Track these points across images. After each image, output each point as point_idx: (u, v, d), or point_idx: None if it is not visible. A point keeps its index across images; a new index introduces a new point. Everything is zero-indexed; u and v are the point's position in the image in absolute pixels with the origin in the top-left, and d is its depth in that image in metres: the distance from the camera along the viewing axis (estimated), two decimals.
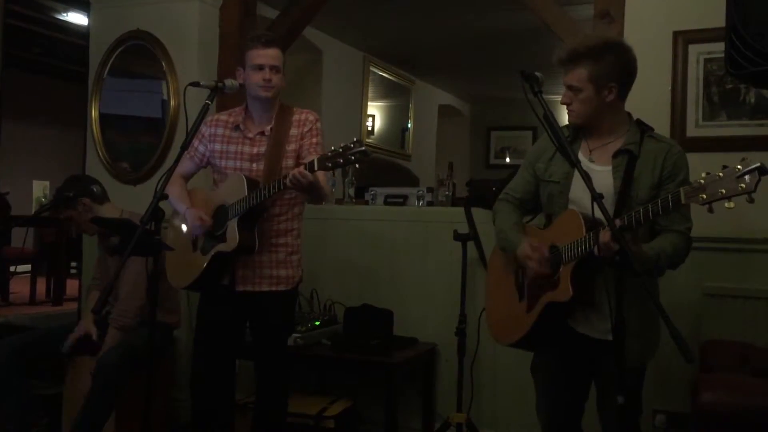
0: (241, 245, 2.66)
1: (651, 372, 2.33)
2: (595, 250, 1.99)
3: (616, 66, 2.16)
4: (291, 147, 2.79)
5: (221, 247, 2.70)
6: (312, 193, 2.69)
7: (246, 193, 2.64)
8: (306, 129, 2.81)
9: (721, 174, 1.74)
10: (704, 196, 1.76)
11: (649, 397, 2.36)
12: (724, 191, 1.72)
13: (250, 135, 2.82)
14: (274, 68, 2.74)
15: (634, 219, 1.94)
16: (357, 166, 2.44)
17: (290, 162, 2.76)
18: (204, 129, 2.86)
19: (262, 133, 2.81)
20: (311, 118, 2.85)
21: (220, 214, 2.75)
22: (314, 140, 2.81)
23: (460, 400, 3.38)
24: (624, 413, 1.91)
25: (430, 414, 3.61)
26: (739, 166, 1.71)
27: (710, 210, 1.77)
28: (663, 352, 2.26)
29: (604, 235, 1.95)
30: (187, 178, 2.97)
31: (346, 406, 3.51)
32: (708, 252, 3.00)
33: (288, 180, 2.50)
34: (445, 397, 3.58)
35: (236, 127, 2.84)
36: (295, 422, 3.28)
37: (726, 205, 1.74)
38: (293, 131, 2.80)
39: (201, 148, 2.90)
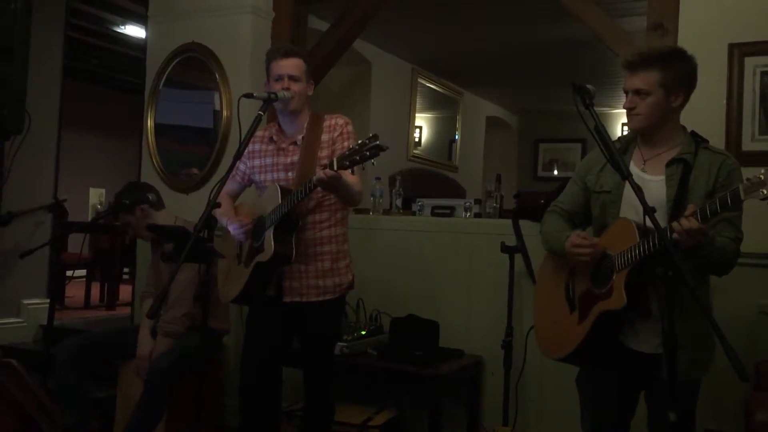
0: (276, 254, 2.66)
1: (703, 390, 2.28)
2: (674, 236, 1.94)
3: (684, 72, 2.19)
4: (323, 153, 2.79)
5: (259, 257, 2.72)
6: (341, 192, 2.67)
7: (280, 201, 2.66)
8: (336, 133, 2.81)
9: None
10: (765, 191, 1.76)
11: (702, 416, 2.31)
12: None
13: (284, 145, 2.84)
14: (292, 78, 2.76)
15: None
16: (373, 163, 2.41)
17: None
18: None
19: (295, 143, 2.83)
20: (341, 122, 2.84)
21: (259, 225, 2.78)
22: (346, 143, 2.79)
23: (506, 414, 3.35)
24: (676, 431, 1.87)
25: (474, 427, 3.59)
26: None
27: None
28: (716, 370, 2.21)
29: (684, 221, 1.93)
30: (233, 197, 3.01)
31: (391, 417, 3.51)
32: (764, 269, 2.92)
33: (314, 180, 2.52)
34: (491, 410, 3.56)
35: (270, 140, 2.88)
36: (340, 431, 3.30)
37: None
38: (324, 137, 2.81)
39: (242, 167, 2.94)
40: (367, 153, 2.36)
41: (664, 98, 2.17)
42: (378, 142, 2.35)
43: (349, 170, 2.45)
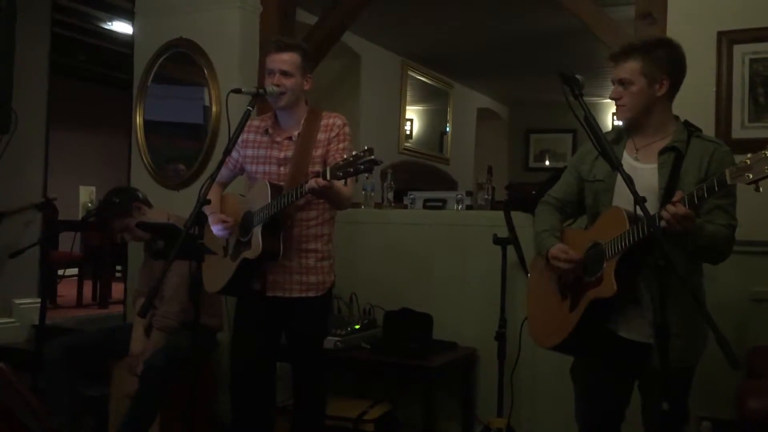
0: (264, 252, 2.66)
1: (696, 378, 2.29)
2: (663, 223, 1.96)
3: (668, 60, 2.20)
4: (318, 152, 2.77)
5: (246, 254, 2.71)
6: (331, 199, 2.69)
7: (269, 201, 2.64)
8: (333, 134, 2.79)
9: (767, 152, 1.74)
10: (750, 175, 1.76)
11: (694, 403, 2.32)
12: None
13: (279, 139, 2.82)
14: (283, 73, 2.73)
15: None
16: (367, 176, 2.42)
17: (317, 167, 2.70)
18: None
19: (290, 138, 2.81)
20: (338, 122, 2.82)
21: (247, 221, 2.76)
22: (341, 145, 2.78)
23: (500, 405, 3.36)
24: (669, 419, 1.87)
25: (469, 419, 3.60)
26: None
27: (757, 189, 1.77)
28: (708, 358, 2.22)
29: (671, 206, 1.94)
30: (224, 185, 3.00)
31: (386, 410, 3.51)
32: (755, 256, 2.93)
33: (306, 187, 2.51)
34: (485, 402, 3.57)
35: (266, 131, 2.85)
36: (335, 425, 3.30)
37: None
38: (320, 136, 2.79)
39: (234, 155, 2.90)
40: (361, 166, 2.36)
41: (647, 87, 2.19)
42: (373, 157, 2.35)
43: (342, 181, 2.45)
